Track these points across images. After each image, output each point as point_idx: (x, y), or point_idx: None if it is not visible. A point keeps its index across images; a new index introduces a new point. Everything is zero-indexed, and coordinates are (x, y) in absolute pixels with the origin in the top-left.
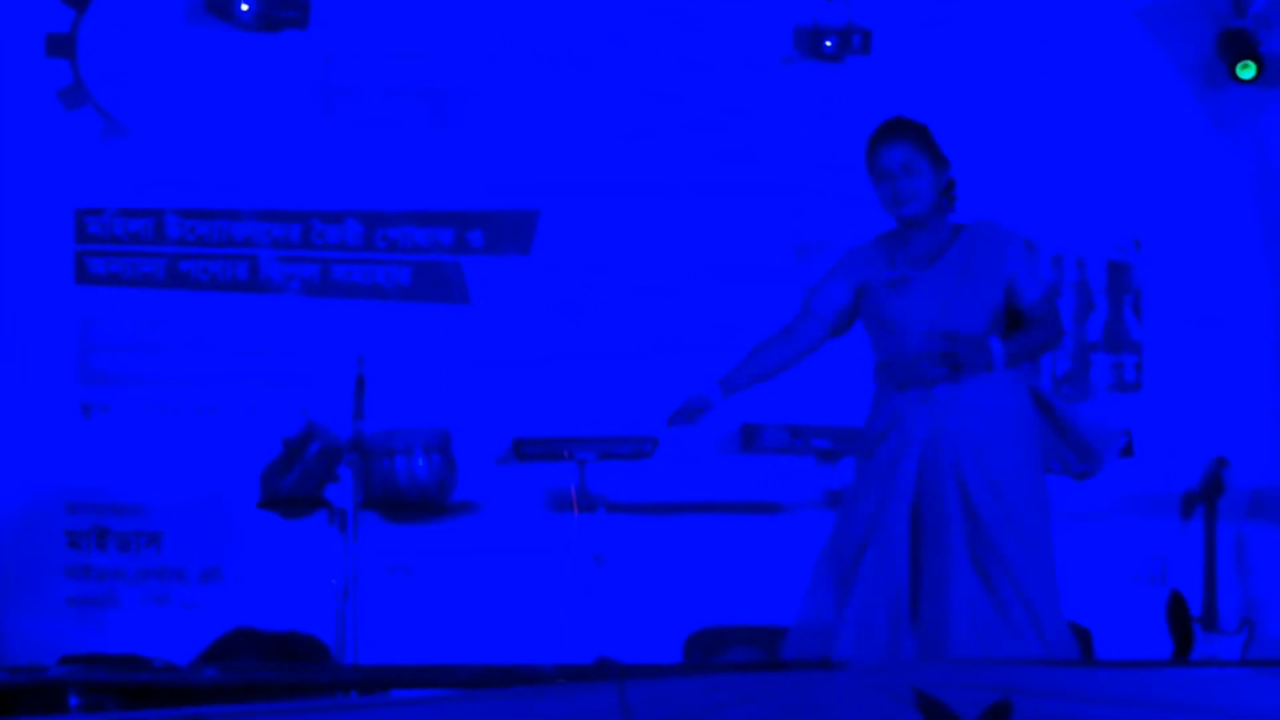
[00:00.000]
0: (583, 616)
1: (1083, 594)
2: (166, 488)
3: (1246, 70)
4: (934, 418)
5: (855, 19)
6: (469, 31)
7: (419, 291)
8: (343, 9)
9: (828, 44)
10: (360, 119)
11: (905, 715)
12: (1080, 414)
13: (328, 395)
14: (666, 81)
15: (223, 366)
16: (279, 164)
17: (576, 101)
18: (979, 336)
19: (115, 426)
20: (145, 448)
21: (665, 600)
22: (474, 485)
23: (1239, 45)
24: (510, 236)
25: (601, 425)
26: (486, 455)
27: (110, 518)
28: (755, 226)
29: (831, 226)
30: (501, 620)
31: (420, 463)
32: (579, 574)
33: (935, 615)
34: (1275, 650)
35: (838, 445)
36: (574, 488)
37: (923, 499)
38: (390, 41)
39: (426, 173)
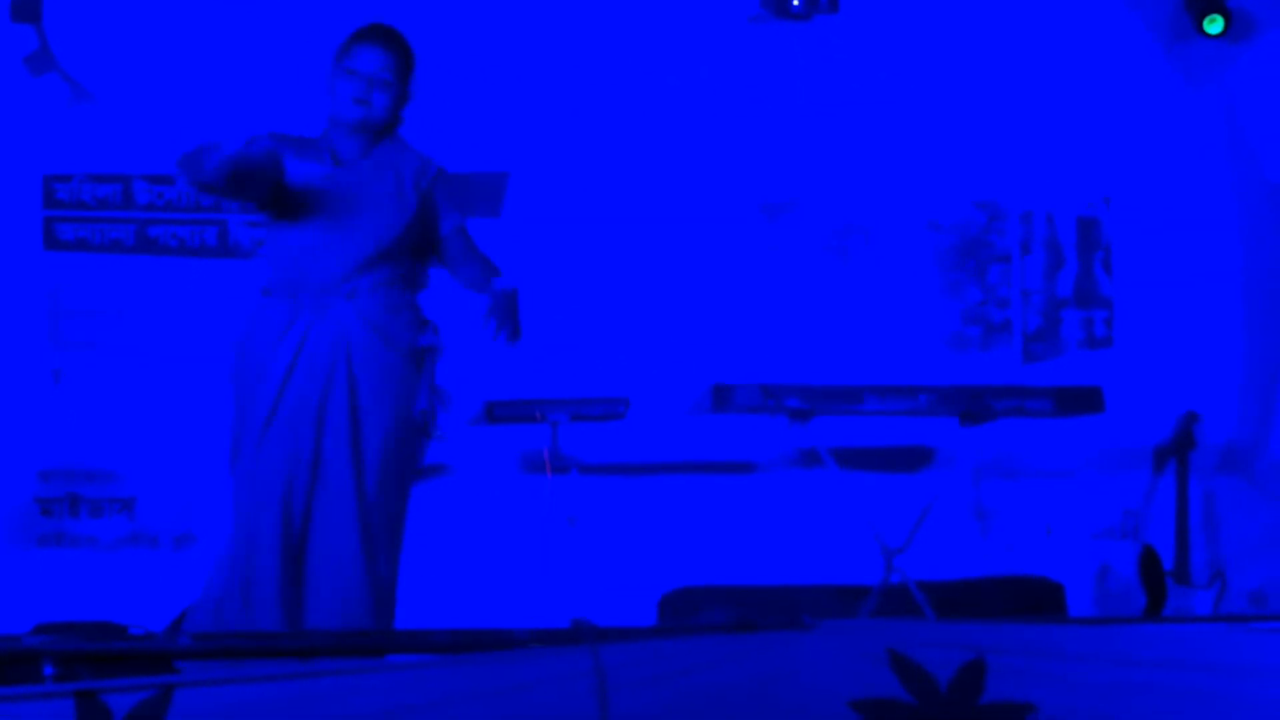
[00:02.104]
0: (557, 578)
1: (1055, 550)
2: (139, 454)
3: (1214, 25)
4: (332, 333)
5: None
6: None
7: None
8: None
9: (795, 2)
10: (325, 81)
11: (879, 675)
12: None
13: None
14: (634, 42)
15: (193, 331)
16: (247, 130)
17: (545, 63)
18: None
19: (86, 393)
20: (117, 414)
21: (639, 561)
22: (446, 448)
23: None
24: (480, 199)
25: (573, 387)
26: (459, 418)
27: (82, 484)
28: (723, 186)
29: (800, 185)
30: (475, 583)
31: None
32: (553, 536)
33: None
34: (1247, 603)
35: (810, 404)
36: (547, 450)
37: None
38: (356, 4)
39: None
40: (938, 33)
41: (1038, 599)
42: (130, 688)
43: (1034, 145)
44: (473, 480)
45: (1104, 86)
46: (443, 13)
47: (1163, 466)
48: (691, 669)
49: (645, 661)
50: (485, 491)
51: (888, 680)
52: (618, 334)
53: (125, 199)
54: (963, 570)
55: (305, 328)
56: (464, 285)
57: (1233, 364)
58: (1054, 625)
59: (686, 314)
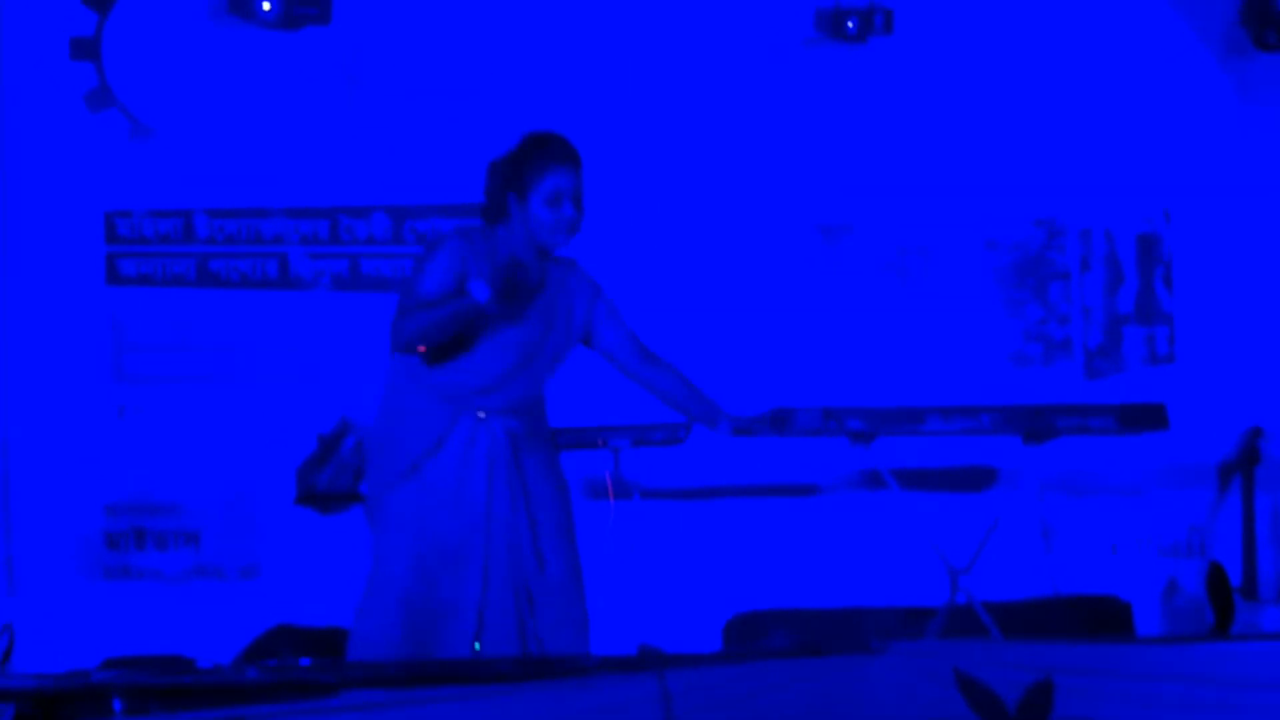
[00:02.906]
0: (621, 604)
1: (1121, 568)
2: (203, 486)
3: None
4: (494, 443)
5: None
6: (491, 23)
7: None
8: (363, 4)
9: (850, 25)
10: (385, 113)
11: (946, 697)
12: None
13: (361, 390)
14: (690, 66)
15: (255, 364)
16: (305, 161)
17: (600, 88)
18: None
19: (150, 427)
20: (181, 447)
21: (704, 586)
22: None
23: (1262, 14)
24: None
25: (635, 413)
26: None
27: (148, 518)
28: (781, 209)
29: (856, 208)
30: None
31: None
32: (617, 562)
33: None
34: None
35: (871, 426)
36: (609, 475)
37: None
38: (412, 35)
39: (452, 165)
40: (992, 52)
41: (1105, 617)
42: None
43: (1091, 162)
44: None
45: (1160, 102)
46: (497, 42)
47: (1228, 482)
48: (758, 693)
49: (712, 686)
50: None
51: (955, 702)
52: (678, 358)
53: (186, 233)
54: (1029, 590)
55: (470, 434)
56: (656, 393)
57: None
58: (1122, 644)
59: (747, 337)
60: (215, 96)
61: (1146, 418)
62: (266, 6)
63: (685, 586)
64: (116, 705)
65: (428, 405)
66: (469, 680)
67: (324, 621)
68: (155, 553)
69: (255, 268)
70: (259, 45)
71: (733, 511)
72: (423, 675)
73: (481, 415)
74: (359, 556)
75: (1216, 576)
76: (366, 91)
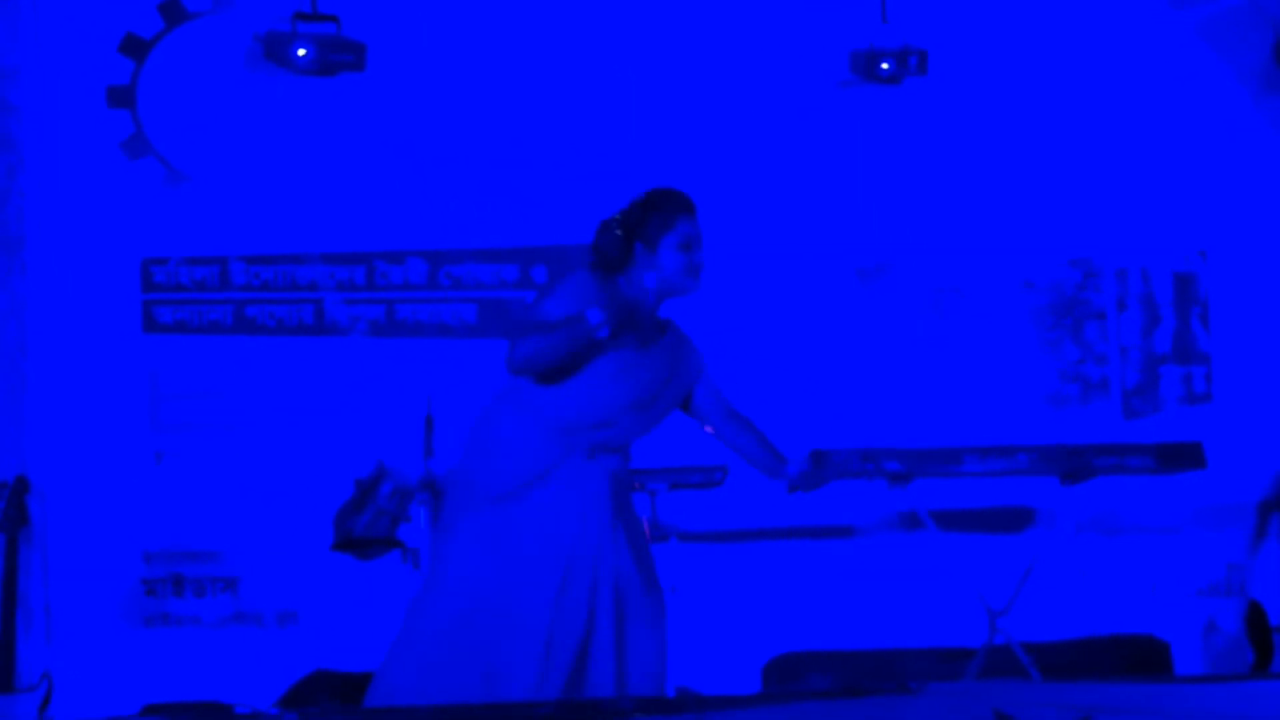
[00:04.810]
0: None
1: (1160, 608)
2: (241, 533)
3: None
4: (601, 481)
5: (911, 40)
6: (527, 69)
7: (485, 328)
8: (398, 51)
9: (884, 66)
10: (420, 159)
11: None
12: None
13: (398, 435)
14: (725, 110)
15: (292, 410)
16: (340, 207)
17: (636, 133)
18: None
19: (188, 474)
20: (218, 494)
21: (742, 628)
22: None
23: None
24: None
25: (671, 455)
26: None
27: (186, 565)
28: (817, 251)
29: (893, 249)
30: None
31: None
32: None
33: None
34: None
35: (909, 467)
36: (646, 518)
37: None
38: (447, 81)
39: (488, 210)
40: (1027, 93)
41: (1143, 657)
42: None
43: (1127, 202)
44: None
45: (1195, 141)
46: (533, 89)
47: (1266, 520)
48: None
49: None
50: None
51: None
52: None
53: (222, 280)
54: (1067, 630)
55: (578, 471)
56: (733, 449)
57: None
58: (1161, 684)
59: (784, 379)
60: (251, 143)
61: (1184, 457)
62: (302, 53)
63: (723, 629)
64: None
65: (536, 436)
66: None
67: (362, 667)
68: (193, 599)
69: (291, 314)
70: (294, 92)
71: (771, 553)
72: (462, 719)
73: (591, 453)
74: (397, 602)
75: (1256, 615)
76: (401, 137)
